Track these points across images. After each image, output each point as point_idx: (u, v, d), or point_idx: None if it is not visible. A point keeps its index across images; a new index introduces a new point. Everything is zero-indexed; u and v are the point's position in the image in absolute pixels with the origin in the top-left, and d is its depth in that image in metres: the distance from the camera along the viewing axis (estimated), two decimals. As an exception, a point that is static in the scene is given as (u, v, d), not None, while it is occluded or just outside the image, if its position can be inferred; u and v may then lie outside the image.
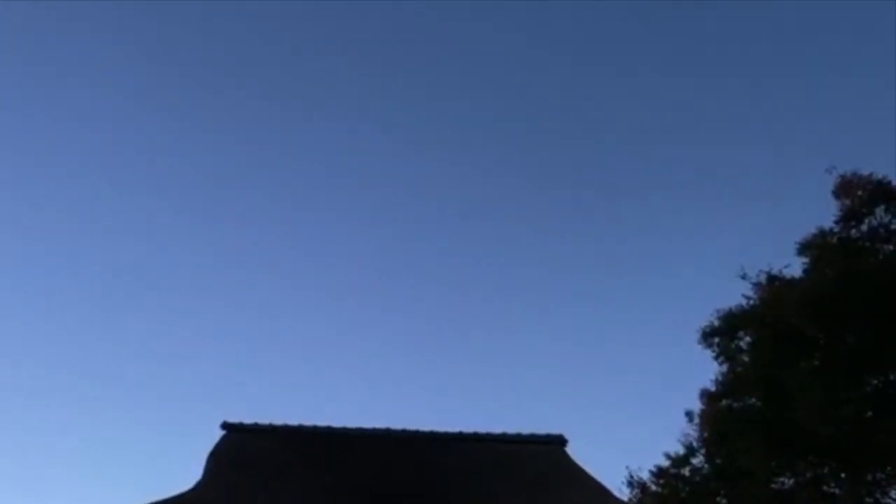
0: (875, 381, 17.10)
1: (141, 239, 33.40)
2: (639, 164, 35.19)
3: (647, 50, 35.08)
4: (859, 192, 18.29)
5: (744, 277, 18.80)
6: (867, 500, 16.98)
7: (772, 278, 18.60)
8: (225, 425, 16.39)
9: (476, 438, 16.40)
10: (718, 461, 18.31)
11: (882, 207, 18.17)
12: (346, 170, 35.90)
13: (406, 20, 33.87)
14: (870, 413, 16.57)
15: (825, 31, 35.14)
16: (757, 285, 18.71)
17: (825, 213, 18.59)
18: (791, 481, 17.71)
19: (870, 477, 17.14)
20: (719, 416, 18.24)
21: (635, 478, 19.07)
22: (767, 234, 29.39)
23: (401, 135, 35.59)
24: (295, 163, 35.11)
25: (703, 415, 18.69)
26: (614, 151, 35.92)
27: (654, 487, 18.88)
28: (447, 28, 34.40)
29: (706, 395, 18.80)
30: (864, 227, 18.28)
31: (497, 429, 16.54)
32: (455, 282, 35.25)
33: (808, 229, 18.60)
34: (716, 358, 18.98)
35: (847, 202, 18.38)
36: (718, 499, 18.44)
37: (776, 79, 34.52)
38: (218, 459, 15.47)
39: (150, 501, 13.37)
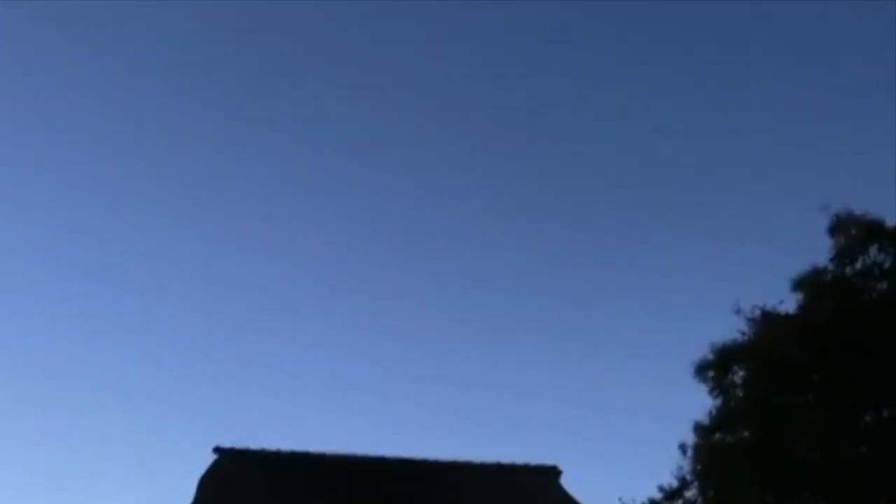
0: (869, 417, 17.14)
1: (136, 258, 33.43)
2: (637, 201, 35.54)
3: (645, 95, 35.62)
4: (853, 231, 18.46)
5: (738, 312, 18.89)
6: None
7: (766, 314, 18.69)
8: (217, 449, 16.32)
9: (470, 467, 16.36)
10: (711, 494, 18.24)
11: (875, 246, 18.34)
12: (348, 199, 36.15)
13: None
14: (864, 448, 16.59)
15: (819, 73, 35.68)
16: (751, 320, 18.79)
17: (819, 251, 18.75)
18: (784, 516, 17.67)
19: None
20: (713, 450, 18.21)
21: (628, 510, 18.97)
22: (762, 271, 29.55)
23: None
24: (299, 191, 35.35)
25: (696, 448, 18.65)
26: (612, 189, 36.30)
27: (646, 520, 18.78)
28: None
29: (700, 429, 18.77)
30: (858, 266, 18.43)
31: (491, 458, 16.51)
32: (450, 310, 35.31)
33: (802, 266, 18.74)
34: (710, 392, 18.98)
35: (841, 240, 18.55)
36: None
37: (771, 118, 34.96)
38: (209, 484, 15.39)
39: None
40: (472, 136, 37.70)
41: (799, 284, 18.71)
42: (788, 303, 18.70)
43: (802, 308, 18.54)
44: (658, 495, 19.02)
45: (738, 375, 18.80)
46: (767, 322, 18.54)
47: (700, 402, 19.09)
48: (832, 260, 18.64)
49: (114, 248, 33.89)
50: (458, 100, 36.48)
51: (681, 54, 36.23)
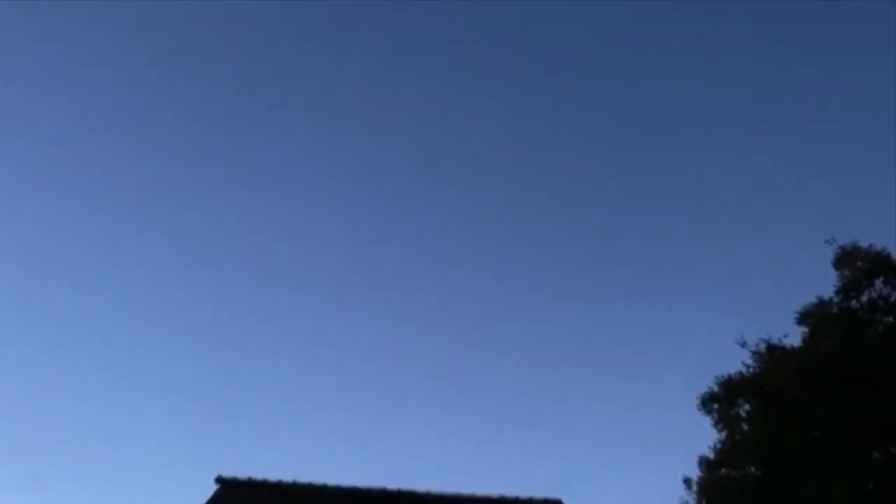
0: (877, 453, 17.00)
1: (135, 280, 33.46)
2: (642, 231, 35.52)
3: (652, 125, 35.78)
4: (859, 264, 18.43)
5: (743, 345, 18.86)
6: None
7: (771, 347, 18.63)
8: (219, 480, 16.24)
9: (473, 500, 16.23)
10: (717, 530, 18.08)
11: (881, 279, 18.30)
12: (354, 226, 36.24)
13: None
14: (872, 485, 16.43)
15: (825, 105, 35.79)
16: (756, 353, 18.73)
17: (825, 284, 18.71)
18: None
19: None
20: (717, 485, 18.07)
21: (632, 545, 18.82)
22: (767, 303, 29.44)
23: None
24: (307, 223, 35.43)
25: (701, 482, 18.52)
26: (617, 220, 36.32)
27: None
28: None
29: (705, 463, 18.65)
30: (864, 299, 18.37)
31: (495, 490, 16.39)
32: (454, 341, 35.20)
33: (807, 299, 18.70)
34: (715, 424, 18.89)
35: (847, 273, 18.51)
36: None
37: (776, 149, 35.03)
38: (211, 514, 15.32)
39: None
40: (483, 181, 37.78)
41: (804, 317, 18.66)
42: (794, 336, 18.68)
43: (808, 341, 18.47)
44: (663, 530, 18.86)
45: (744, 409, 18.71)
46: (773, 355, 18.47)
47: (705, 435, 19.02)
48: (838, 293, 18.59)
49: (113, 268, 33.92)
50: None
51: (689, 88, 36.41)
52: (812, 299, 18.67)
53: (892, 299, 18.29)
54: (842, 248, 18.71)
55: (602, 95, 37.34)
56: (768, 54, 35.43)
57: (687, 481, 18.86)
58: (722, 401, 18.83)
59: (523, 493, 16.29)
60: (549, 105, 36.76)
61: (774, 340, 18.64)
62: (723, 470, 18.44)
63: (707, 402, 18.89)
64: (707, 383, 18.94)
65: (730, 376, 18.75)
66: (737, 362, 18.85)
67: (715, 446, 18.75)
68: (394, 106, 35.96)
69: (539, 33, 36.11)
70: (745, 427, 18.48)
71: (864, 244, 18.71)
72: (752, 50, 35.67)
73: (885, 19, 30.00)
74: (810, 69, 35.47)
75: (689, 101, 36.33)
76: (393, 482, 16.29)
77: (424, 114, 37.42)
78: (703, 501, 18.34)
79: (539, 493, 16.19)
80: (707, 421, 18.95)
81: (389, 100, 35.90)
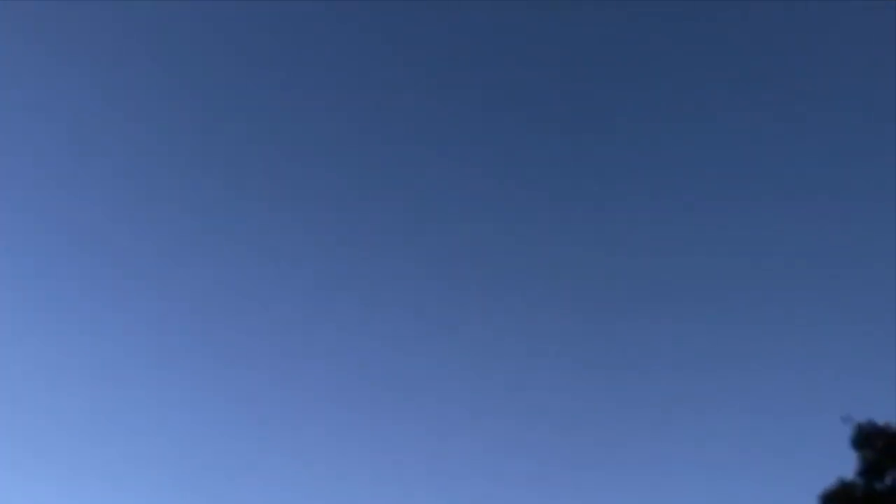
0: None
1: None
2: (651, 420, 35.09)
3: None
4: (879, 444, 18.01)
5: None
6: None
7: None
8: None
9: None
10: None
11: (904, 461, 17.81)
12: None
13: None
14: None
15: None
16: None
17: (844, 463, 18.25)
18: None
19: None
20: None
21: None
22: (788, 483, 28.58)
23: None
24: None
25: None
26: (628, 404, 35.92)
27: None
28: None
29: None
30: (888, 481, 17.81)
31: None
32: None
33: (828, 481, 18.15)
34: None
35: (867, 454, 18.05)
36: None
37: (784, 327, 35.07)
38: None
39: None
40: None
41: (828, 500, 18.03)
42: (817, 520, 17.95)
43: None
44: None
45: None
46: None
47: None
48: (859, 474, 18.07)
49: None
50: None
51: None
52: (833, 481, 18.14)
53: (918, 482, 17.73)
54: (859, 425, 18.36)
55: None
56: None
57: None
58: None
59: None
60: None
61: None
62: None
63: None
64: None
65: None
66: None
67: None
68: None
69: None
70: None
71: (881, 422, 18.35)
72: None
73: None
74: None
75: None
76: None
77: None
78: None
79: None
80: None
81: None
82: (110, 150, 35.36)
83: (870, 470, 17.94)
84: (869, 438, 18.05)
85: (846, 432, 18.53)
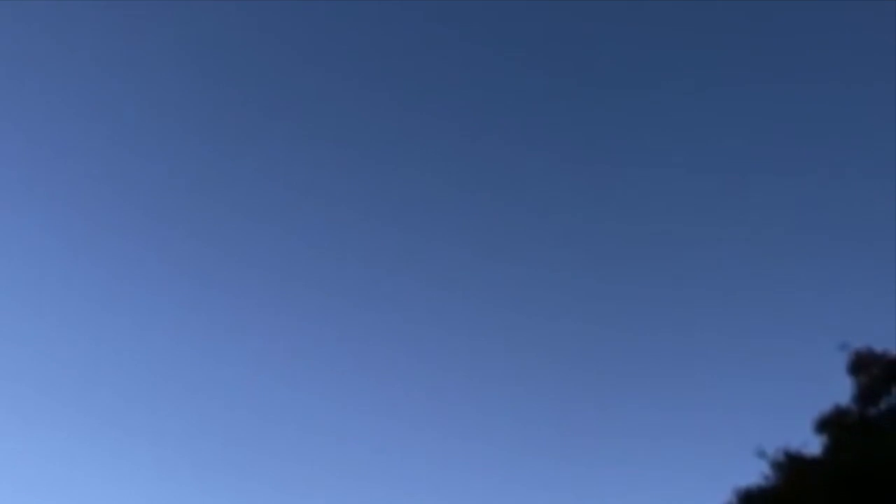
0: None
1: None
2: (658, 341, 35.41)
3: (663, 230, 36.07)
4: (875, 370, 18.18)
5: (762, 455, 18.39)
6: None
7: (791, 457, 18.17)
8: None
9: None
10: None
11: (898, 386, 18.01)
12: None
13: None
14: None
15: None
16: (775, 464, 18.26)
17: (840, 390, 18.45)
18: None
19: None
20: None
21: None
22: (784, 410, 28.98)
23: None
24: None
25: None
26: (635, 324, 36.24)
27: None
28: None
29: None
30: (882, 406, 18.04)
31: None
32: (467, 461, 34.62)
33: (824, 406, 18.37)
34: (735, 540, 18.28)
35: (863, 380, 18.24)
36: None
37: (787, 253, 35.13)
38: None
39: None
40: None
41: (823, 425, 18.27)
42: (812, 444, 18.25)
43: (828, 451, 18.03)
44: None
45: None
46: (793, 466, 18.00)
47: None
48: (855, 400, 18.29)
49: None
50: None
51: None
52: (829, 407, 18.37)
53: (912, 407, 17.96)
54: (856, 353, 18.51)
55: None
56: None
57: None
58: (742, 514, 18.28)
59: None
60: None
61: (794, 450, 18.21)
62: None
63: (727, 515, 18.34)
64: (726, 496, 18.46)
65: (749, 489, 18.24)
66: (755, 472, 18.39)
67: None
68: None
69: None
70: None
71: (878, 349, 18.49)
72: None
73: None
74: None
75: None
76: None
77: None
78: None
79: None
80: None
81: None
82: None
83: (865, 396, 18.15)
84: (865, 365, 18.22)
85: (843, 360, 18.70)
